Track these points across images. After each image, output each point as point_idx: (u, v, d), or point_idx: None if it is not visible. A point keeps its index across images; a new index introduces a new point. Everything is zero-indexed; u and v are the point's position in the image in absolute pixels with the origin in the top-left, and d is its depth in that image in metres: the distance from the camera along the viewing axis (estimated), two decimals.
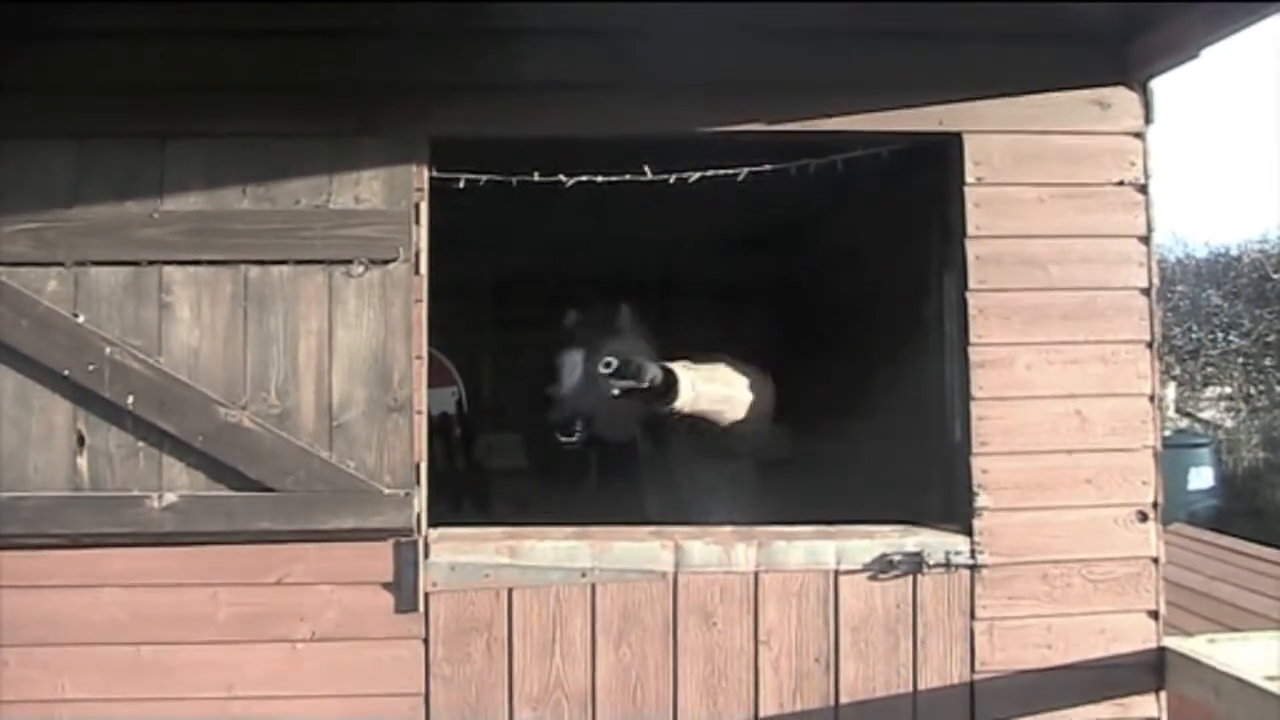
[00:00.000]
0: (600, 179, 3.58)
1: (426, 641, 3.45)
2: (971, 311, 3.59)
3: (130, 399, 3.36)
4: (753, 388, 4.33)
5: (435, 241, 3.53)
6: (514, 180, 3.54)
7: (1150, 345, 3.65)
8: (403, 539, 3.43)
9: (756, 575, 3.53)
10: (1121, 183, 3.65)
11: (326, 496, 3.40)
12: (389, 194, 3.45)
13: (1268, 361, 14.42)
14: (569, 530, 3.61)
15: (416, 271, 3.45)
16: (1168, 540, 3.74)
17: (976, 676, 3.56)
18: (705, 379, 4.12)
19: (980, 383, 3.59)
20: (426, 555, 3.45)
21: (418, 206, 3.46)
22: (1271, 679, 3.27)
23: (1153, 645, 3.62)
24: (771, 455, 4.73)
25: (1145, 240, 3.66)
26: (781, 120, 3.56)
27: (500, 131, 3.54)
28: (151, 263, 3.40)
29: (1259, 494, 11.95)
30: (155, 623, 3.40)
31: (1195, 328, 14.86)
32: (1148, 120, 3.67)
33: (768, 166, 3.65)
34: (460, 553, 3.48)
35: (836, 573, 3.55)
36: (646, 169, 3.58)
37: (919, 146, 3.70)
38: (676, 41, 3.51)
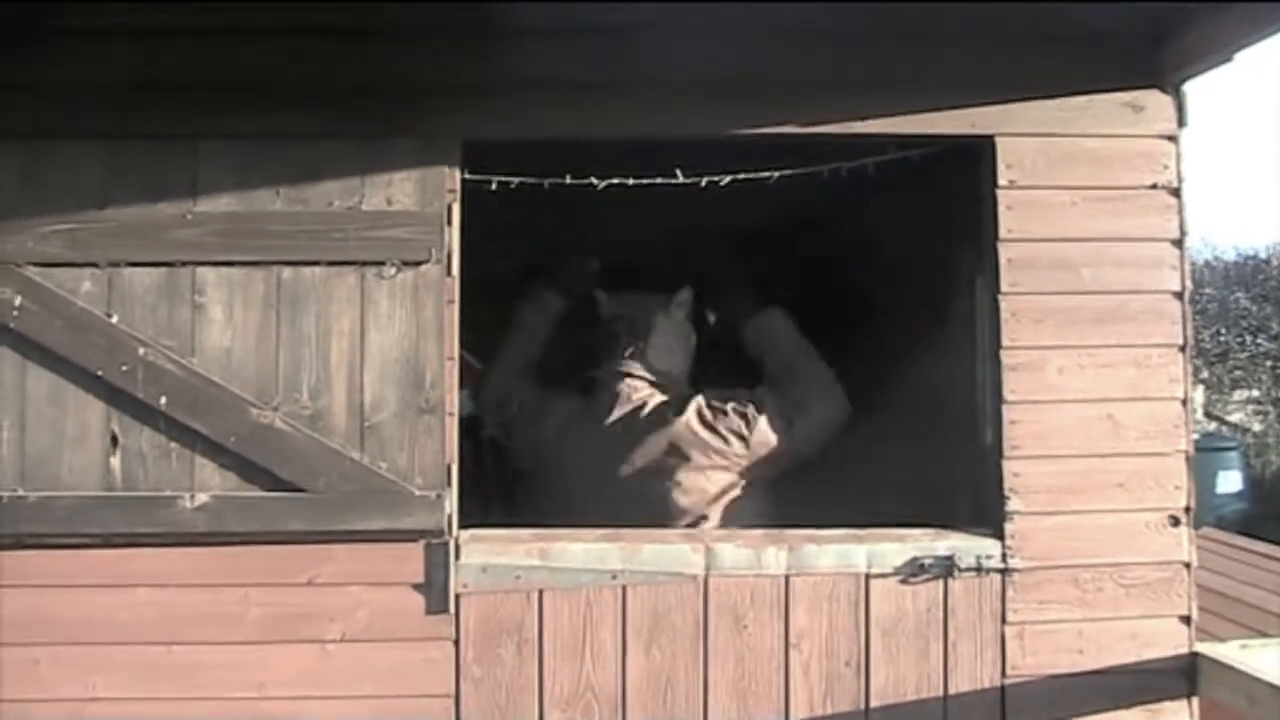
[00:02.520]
0: (631, 181, 3.58)
1: (457, 643, 3.45)
2: (1004, 315, 3.57)
3: (163, 399, 3.37)
4: None
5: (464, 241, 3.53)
6: (545, 183, 3.54)
7: (1183, 349, 3.62)
8: (434, 540, 3.43)
9: (787, 578, 3.52)
10: (1155, 186, 3.63)
11: (358, 498, 3.40)
12: (421, 195, 3.45)
13: None
14: (599, 532, 3.60)
15: (448, 273, 3.45)
16: (1197, 545, 3.71)
17: (1007, 681, 3.54)
18: None
19: (1012, 386, 3.57)
20: (457, 557, 3.45)
21: (450, 208, 3.45)
22: None
23: (1184, 651, 3.59)
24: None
25: (1178, 244, 3.63)
26: (814, 122, 3.55)
27: (533, 133, 3.53)
28: (185, 264, 3.40)
29: None
30: (186, 623, 3.40)
31: (1223, 331, 14.79)
32: (1181, 123, 3.64)
33: (801, 169, 3.64)
34: (491, 554, 3.48)
35: (867, 576, 3.54)
36: (678, 171, 3.57)
37: (951, 149, 3.69)
38: (708, 43, 3.50)
